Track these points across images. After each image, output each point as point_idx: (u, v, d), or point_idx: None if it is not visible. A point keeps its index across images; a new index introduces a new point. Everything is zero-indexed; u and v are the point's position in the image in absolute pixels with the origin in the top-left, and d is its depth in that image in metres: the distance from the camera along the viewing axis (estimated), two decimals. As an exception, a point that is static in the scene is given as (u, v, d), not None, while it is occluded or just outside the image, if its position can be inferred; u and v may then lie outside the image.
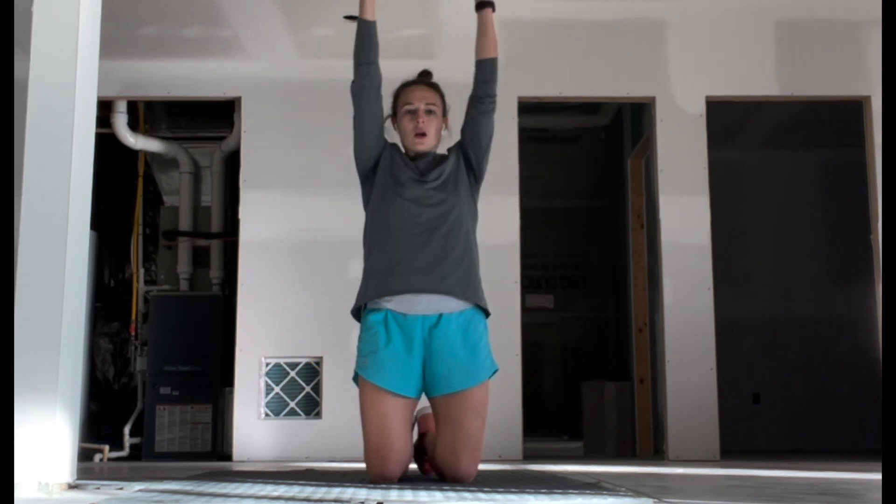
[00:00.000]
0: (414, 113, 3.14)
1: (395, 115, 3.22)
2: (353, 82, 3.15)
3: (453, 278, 3.01)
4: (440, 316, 2.99)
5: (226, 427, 5.65)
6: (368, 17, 3.15)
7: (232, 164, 6.06)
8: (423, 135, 3.12)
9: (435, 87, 3.23)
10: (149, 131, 6.48)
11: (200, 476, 3.31)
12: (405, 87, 3.22)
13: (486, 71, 3.17)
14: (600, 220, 8.42)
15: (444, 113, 3.22)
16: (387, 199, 3.08)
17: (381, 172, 3.13)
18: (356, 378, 3.04)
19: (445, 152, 3.22)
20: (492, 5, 3.18)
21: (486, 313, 3.11)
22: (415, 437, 3.23)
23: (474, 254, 3.10)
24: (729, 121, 6.58)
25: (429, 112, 3.14)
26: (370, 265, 3.10)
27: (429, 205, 3.05)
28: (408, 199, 3.06)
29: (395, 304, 3.00)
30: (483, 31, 3.19)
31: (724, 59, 5.52)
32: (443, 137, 3.23)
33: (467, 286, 3.03)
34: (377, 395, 2.95)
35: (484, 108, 3.16)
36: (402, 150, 3.21)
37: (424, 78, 3.27)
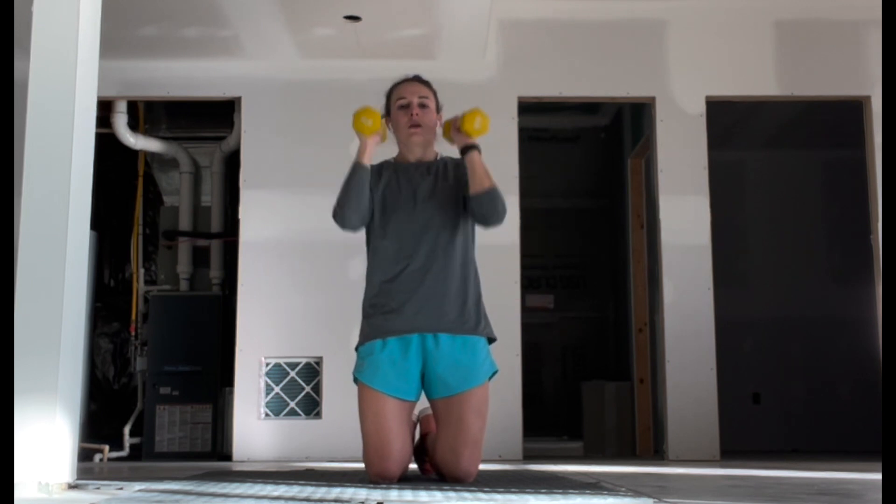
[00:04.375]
0: (407, 107, 3.14)
1: (388, 113, 3.21)
2: (344, 227, 3.08)
3: (452, 315, 3.00)
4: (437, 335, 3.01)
5: (226, 427, 5.66)
6: (367, 163, 3.07)
7: (232, 164, 6.06)
8: (417, 126, 3.12)
9: (427, 84, 3.23)
10: (149, 131, 6.48)
11: (200, 476, 3.31)
12: (397, 84, 3.22)
13: (480, 206, 3.02)
14: (600, 220, 8.42)
15: (438, 109, 3.21)
16: (383, 228, 3.07)
17: (377, 198, 3.10)
18: (356, 379, 3.04)
19: (446, 161, 3.19)
20: (476, 148, 3.06)
21: (491, 340, 3.10)
22: (416, 437, 3.23)
23: (473, 282, 3.07)
24: (729, 121, 6.58)
25: (422, 105, 3.14)
26: (369, 304, 3.07)
27: (426, 235, 3.03)
28: (404, 230, 3.03)
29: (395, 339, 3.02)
30: (470, 173, 3.05)
31: (724, 59, 5.52)
32: (438, 135, 3.22)
33: (466, 322, 3.02)
34: (375, 398, 2.95)
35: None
36: (396, 160, 3.20)
37: (416, 76, 3.27)
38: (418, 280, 3.00)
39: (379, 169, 3.17)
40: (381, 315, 3.02)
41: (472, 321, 3.03)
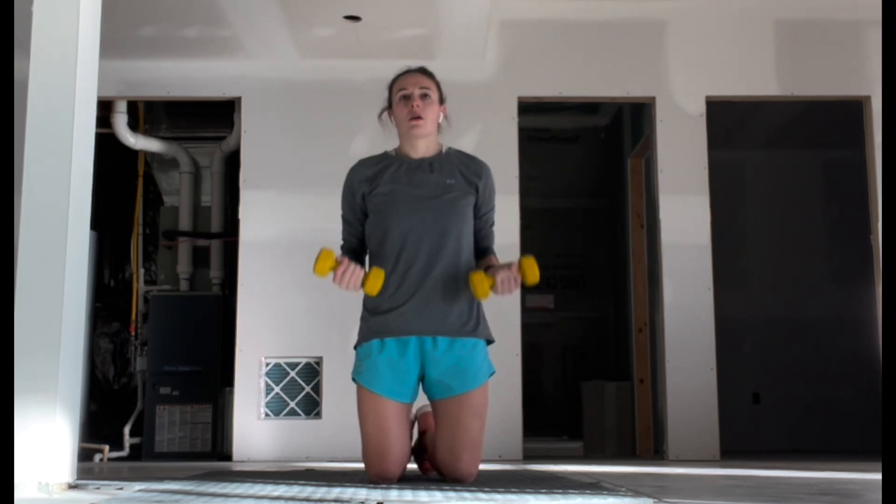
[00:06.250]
0: (408, 98, 3.05)
1: (390, 105, 3.14)
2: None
3: (453, 318, 2.96)
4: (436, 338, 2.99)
5: (226, 427, 5.66)
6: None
7: (232, 164, 6.06)
8: (418, 118, 3.02)
9: (430, 75, 3.15)
10: (149, 131, 6.48)
11: (200, 476, 3.31)
12: (399, 76, 3.14)
13: None
14: (600, 220, 8.42)
15: (441, 101, 3.13)
16: (383, 227, 3.00)
17: (376, 197, 3.04)
18: (355, 380, 3.03)
19: (450, 155, 3.15)
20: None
21: (489, 342, 3.07)
22: (415, 435, 3.23)
23: None
24: (729, 121, 6.58)
25: (424, 96, 3.05)
26: (369, 302, 3.04)
27: (427, 235, 2.97)
28: (405, 231, 2.97)
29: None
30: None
31: (724, 59, 5.52)
32: (442, 128, 3.16)
33: (466, 324, 2.98)
34: (373, 399, 2.94)
35: None
36: (398, 151, 3.17)
37: (420, 68, 3.22)
38: (419, 281, 2.96)
39: (377, 164, 3.10)
40: (380, 315, 2.99)
41: (472, 323, 3.01)
